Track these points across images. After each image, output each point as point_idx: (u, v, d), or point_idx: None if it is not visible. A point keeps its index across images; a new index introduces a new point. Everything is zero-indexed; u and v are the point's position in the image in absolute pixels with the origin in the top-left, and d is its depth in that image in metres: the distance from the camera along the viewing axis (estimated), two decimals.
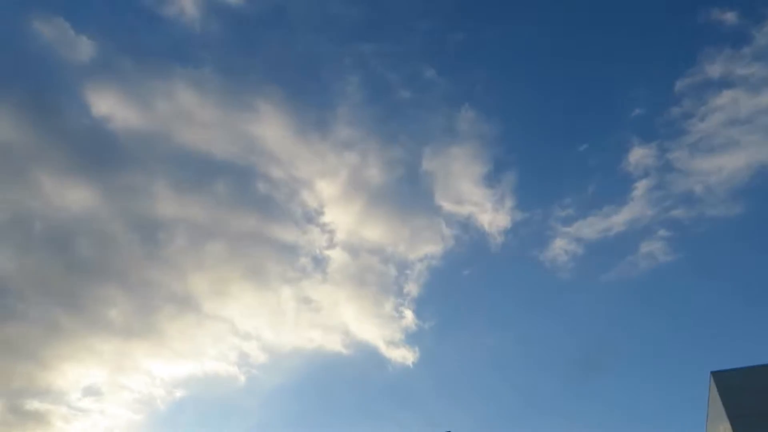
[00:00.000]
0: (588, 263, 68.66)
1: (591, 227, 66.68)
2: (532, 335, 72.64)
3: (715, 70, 61.81)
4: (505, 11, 74.16)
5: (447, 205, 69.83)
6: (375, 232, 70.71)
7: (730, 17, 61.72)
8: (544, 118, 76.14)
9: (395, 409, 69.55)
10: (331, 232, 68.75)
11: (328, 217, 68.74)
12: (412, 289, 69.09)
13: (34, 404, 57.66)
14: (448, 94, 72.77)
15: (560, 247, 67.00)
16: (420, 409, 68.11)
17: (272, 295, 68.09)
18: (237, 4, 68.25)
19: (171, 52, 69.00)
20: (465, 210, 69.11)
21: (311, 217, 68.91)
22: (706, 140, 61.73)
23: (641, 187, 64.89)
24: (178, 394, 65.70)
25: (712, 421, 26.76)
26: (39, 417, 57.50)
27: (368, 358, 69.40)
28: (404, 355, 66.97)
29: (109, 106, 62.51)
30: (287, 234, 68.09)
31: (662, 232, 65.07)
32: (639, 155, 64.97)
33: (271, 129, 67.83)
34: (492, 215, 68.69)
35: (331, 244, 69.02)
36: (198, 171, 66.87)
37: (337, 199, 69.26)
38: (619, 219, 65.50)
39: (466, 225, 69.76)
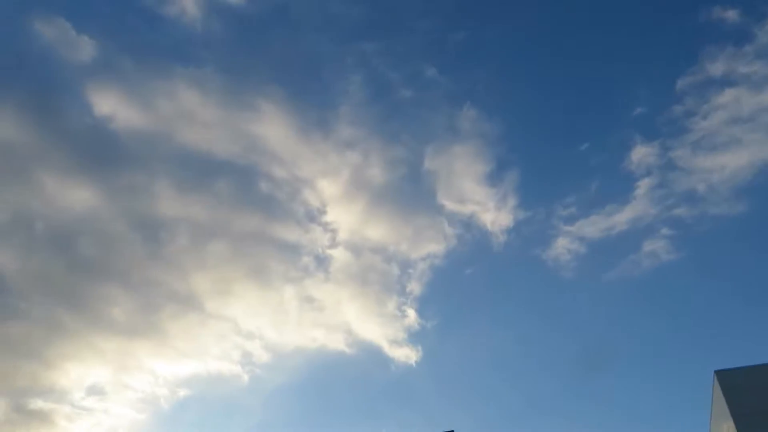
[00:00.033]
0: (590, 262, 68.76)
1: (593, 226, 66.72)
2: (535, 334, 72.78)
3: (717, 68, 61.83)
4: (507, 10, 74.18)
5: (449, 204, 69.93)
6: (377, 231, 70.84)
7: (731, 15, 61.72)
8: (546, 116, 76.22)
9: (398, 408, 69.74)
10: (334, 231, 68.89)
11: (330, 217, 68.89)
12: (415, 288, 69.21)
13: (38, 403, 57.90)
14: (449, 93, 72.85)
15: (563, 246, 67.06)
16: (423, 408, 68.27)
17: (275, 294, 68.26)
18: (238, 3, 68.33)
19: (172, 51, 69.14)
20: (467, 209, 69.22)
21: (313, 217, 69.04)
22: (709, 138, 61.73)
23: (643, 185, 64.95)
24: (182, 393, 65.94)
25: (716, 420, 26.76)
26: (43, 416, 57.74)
27: (371, 357, 69.55)
28: (407, 354, 67.10)
29: (111, 105, 62.66)
30: (289, 233, 68.22)
31: (665, 231, 65.11)
32: (641, 154, 65.02)
33: (273, 128, 67.94)
34: (494, 214, 68.79)
35: (334, 244, 69.15)
36: (200, 171, 67.04)
37: (339, 199, 69.39)
38: (621, 218, 65.54)
39: (469, 224, 69.87)
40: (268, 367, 67.90)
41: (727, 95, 61.01)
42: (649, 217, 65.40)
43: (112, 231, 61.64)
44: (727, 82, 61.52)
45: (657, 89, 68.68)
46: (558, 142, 75.19)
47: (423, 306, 69.88)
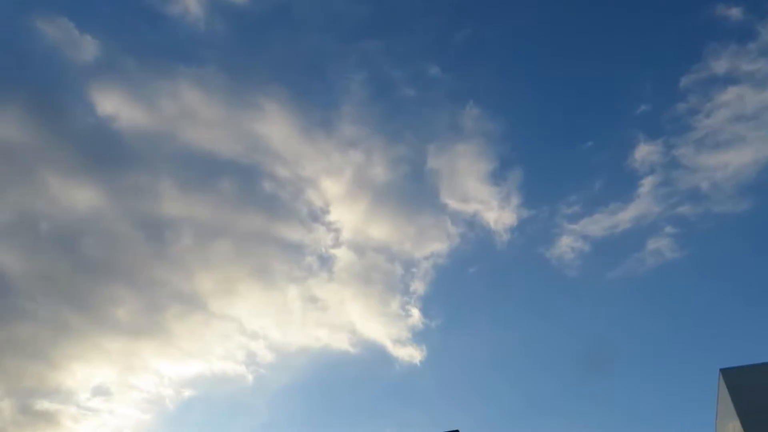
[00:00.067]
0: (594, 261, 68.61)
1: (597, 224, 66.58)
2: (539, 333, 72.64)
3: (720, 66, 61.62)
4: (509, 8, 74.05)
5: (453, 203, 69.84)
6: (381, 230, 70.77)
7: (735, 13, 61.52)
8: (549, 115, 76.08)
9: (402, 408, 69.68)
10: (337, 230, 68.84)
11: (333, 216, 68.85)
12: (419, 287, 69.15)
13: (43, 404, 57.94)
14: (452, 91, 72.76)
15: (566, 245, 66.91)
16: (427, 407, 68.17)
17: (279, 294, 68.23)
18: (241, 2, 68.33)
19: (175, 51, 69.18)
20: (471, 208, 69.11)
21: (317, 216, 69.01)
22: (712, 136, 61.55)
23: (647, 183, 64.77)
24: (187, 393, 65.93)
25: (722, 419, 26.69)
26: (49, 417, 57.78)
27: (375, 356, 69.50)
28: (411, 354, 67.05)
29: (114, 105, 62.70)
30: (293, 233, 68.21)
31: (669, 229, 64.94)
32: (645, 152, 64.84)
33: (276, 128, 67.95)
34: (498, 213, 68.65)
35: (337, 243, 69.09)
36: (203, 170, 67.05)
37: (342, 198, 69.35)
38: (625, 216, 65.37)
39: (472, 223, 69.76)
40: (272, 366, 67.98)
41: (731, 93, 60.87)
42: (652, 215, 65.30)
43: (116, 231, 61.77)
44: (730, 79, 61.38)
45: (660, 87, 68.56)
46: (561, 141, 75.11)
47: (427, 305, 69.86)
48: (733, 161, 60.94)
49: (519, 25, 74.69)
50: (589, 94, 72.83)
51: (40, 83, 63.02)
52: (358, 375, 71.35)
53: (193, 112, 65.18)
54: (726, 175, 61.73)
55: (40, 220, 59.09)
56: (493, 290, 75.57)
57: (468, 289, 74.70)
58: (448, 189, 70.48)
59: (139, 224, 63.35)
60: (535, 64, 75.71)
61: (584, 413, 64.64)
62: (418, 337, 68.64)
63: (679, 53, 69.66)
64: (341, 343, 67.54)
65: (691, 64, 66.96)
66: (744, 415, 23.23)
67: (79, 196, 60.58)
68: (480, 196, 69.07)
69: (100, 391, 63.32)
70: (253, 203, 68.90)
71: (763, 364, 24.75)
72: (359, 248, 69.41)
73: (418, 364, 67.47)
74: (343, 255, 69.08)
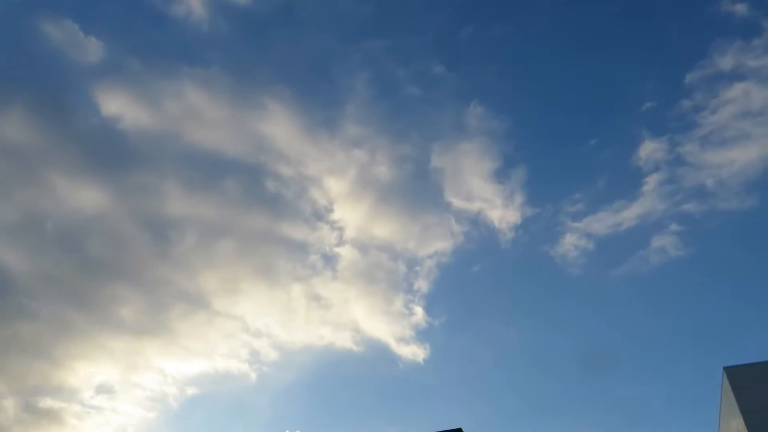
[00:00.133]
0: (598, 259, 68.69)
1: (601, 222, 66.55)
2: (543, 332, 72.75)
3: (725, 62, 61.57)
4: (513, 8, 74.08)
5: (456, 202, 69.93)
6: (384, 229, 70.94)
7: (740, 9, 61.47)
8: (553, 113, 76.09)
9: (405, 406, 69.85)
10: (341, 229, 69.03)
11: (337, 215, 69.07)
12: (422, 285, 69.24)
13: (47, 402, 58.38)
14: (456, 90, 72.87)
15: (570, 243, 66.95)
16: (430, 405, 68.34)
17: (282, 292, 68.48)
18: (244, 3, 68.61)
19: (179, 52, 69.63)
20: (475, 206, 69.21)
21: (321, 215, 69.19)
22: (718, 133, 61.43)
23: (652, 181, 64.73)
24: (190, 391, 66.32)
25: (725, 416, 26.67)
26: (53, 415, 58.21)
27: (379, 354, 69.70)
28: (415, 352, 67.18)
29: (119, 106, 63.09)
30: (297, 232, 68.43)
31: (674, 227, 64.89)
32: (649, 149, 64.79)
33: (280, 127, 68.14)
34: (502, 211, 68.74)
35: (341, 242, 69.30)
36: (208, 170, 67.37)
37: (346, 197, 69.54)
38: (629, 214, 65.33)
39: (476, 221, 69.86)
40: (275, 365, 68.27)
41: (736, 89, 60.81)
42: (657, 212, 65.27)
43: (121, 231, 62.15)
44: (736, 76, 61.32)
45: (665, 84, 68.55)
46: (565, 139, 75.16)
47: (430, 303, 70.04)
48: (738, 158, 60.89)
49: (522, 25, 74.81)
50: (593, 91, 72.86)
51: (46, 84, 63.51)
52: (361, 373, 71.66)
53: (197, 112, 65.56)
54: (732, 172, 61.66)
55: (45, 220, 59.55)
56: (497, 289, 75.75)
57: (472, 287, 74.90)
58: (452, 187, 70.65)
59: (143, 224, 63.73)
60: (538, 62, 75.86)
61: (588, 410, 64.73)
62: (422, 335, 68.84)
63: (684, 50, 69.67)
64: (345, 341, 67.83)
65: (696, 60, 67.10)
66: (747, 412, 23.22)
67: (83, 197, 61.01)
68: (484, 194, 69.23)
69: (103, 389, 63.84)
70: (257, 202, 69.19)
71: (767, 362, 24.71)
72: (363, 247, 69.63)
73: (422, 362, 67.68)
74: (346, 254, 69.37)
